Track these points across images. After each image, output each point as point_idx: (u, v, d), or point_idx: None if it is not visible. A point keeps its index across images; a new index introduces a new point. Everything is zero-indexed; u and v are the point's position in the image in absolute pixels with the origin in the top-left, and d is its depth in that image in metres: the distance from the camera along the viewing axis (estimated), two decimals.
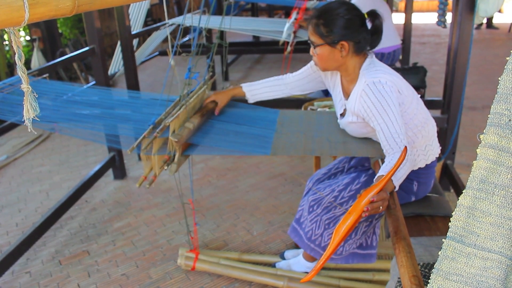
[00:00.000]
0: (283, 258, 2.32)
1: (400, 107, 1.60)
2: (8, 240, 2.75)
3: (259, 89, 2.02)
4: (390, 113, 1.55)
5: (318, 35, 1.63)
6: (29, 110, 0.70)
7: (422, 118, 1.72)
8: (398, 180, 1.49)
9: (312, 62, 1.90)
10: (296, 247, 2.41)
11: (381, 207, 1.31)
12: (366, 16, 1.66)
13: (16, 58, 0.73)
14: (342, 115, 1.81)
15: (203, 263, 2.31)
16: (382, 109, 1.55)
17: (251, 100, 2.04)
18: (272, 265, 2.29)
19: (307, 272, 2.17)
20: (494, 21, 9.60)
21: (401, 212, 1.29)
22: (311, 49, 1.69)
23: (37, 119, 0.72)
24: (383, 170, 1.47)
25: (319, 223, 1.86)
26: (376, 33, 1.68)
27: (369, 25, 1.68)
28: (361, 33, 1.62)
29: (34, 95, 0.71)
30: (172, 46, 1.90)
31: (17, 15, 0.68)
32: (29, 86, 0.69)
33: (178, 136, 1.62)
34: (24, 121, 0.71)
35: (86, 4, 0.78)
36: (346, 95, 1.77)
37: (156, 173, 1.69)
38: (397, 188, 1.49)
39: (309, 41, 1.70)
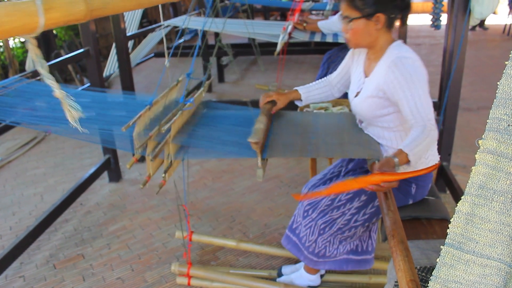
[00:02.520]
0: (281, 275, 2.26)
1: None
2: (2, 244, 2.72)
3: (313, 90, 2.05)
4: (419, 87, 1.56)
5: (354, 8, 1.64)
6: (71, 113, 0.70)
7: None
8: (414, 155, 1.49)
9: (348, 54, 1.94)
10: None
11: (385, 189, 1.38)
12: None
13: (38, 67, 0.72)
14: (357, 95, 1.81)
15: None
16: (411, 81, 1.56)
17: (304, 102, 2.06)
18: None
19: (310, 286, 2.14)
20: (487, 22, 9.62)
21: (398, 215, 1.28)
22: (344, 25, 1.70)
23: (83, 116, 0.73)
24: (404, 143, 1.50)
25: (313, 229, 1.85)
26: (406, 8, 1.70)
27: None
28: (393, 8, 1.65)
29: (71, 98, 0.71)
30: (168, 48, 1.89)
31: (32, 21, 0.66)
32: (62, 91, 0.69)
33: (257, 137, 1.58)
34: (71, 124, 0.71)
35: (99, 8, 0.77)
36: (366, 73, 1.79)
37: (151, 173, 1.68)
38: (411, 164, 1.50)
39: (342, 18, 1.70)
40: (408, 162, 1.48)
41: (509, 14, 9.00)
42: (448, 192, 3.00)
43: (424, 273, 1.42)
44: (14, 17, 0.63)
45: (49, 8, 0.67)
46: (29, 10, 0.65)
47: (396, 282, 1.44)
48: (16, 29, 0.64)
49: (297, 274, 2.16)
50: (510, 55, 0.58)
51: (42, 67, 0.72)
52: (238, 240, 2.43)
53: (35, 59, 0.72)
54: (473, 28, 9.20)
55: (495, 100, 0.60)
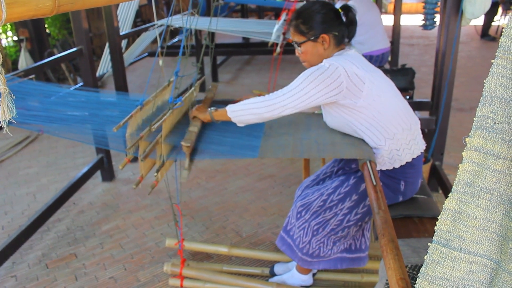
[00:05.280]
0: (273, 274, 2.26)
1: (358, 92, 1.63)
2: None
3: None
4: (306, 81, 1.62)
5: (300, 33, 1.73)
6: (6, 112, 0.68)
7: (400, 111, 1.71)
8: (232, 112, 1.73)
9: None
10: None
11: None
12: (340, 10, 1.75)
13: None
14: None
15: None
16: (305, 74, 1.64)
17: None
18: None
19: (303, 286, 2.14)
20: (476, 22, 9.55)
21: (389, 214, 1.29)
22: (296, 50, 1.78)
23: (13, 121, 0.70)
24: (238, 104, 1.74)
25: (307, 230, 1.85)
26: (351, 24, 1.77)
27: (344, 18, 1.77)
28: (338, 26, 1.71)
29: (11, 97, 0.69)
30: (162, 47, 1.89)
31: None
32: (6, 87, 0.68)
33: (189, 141, 1.62)
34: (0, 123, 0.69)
35: (67, 4, 0.76)
36: None
37: (143, 174, 1.68)
38: (234, 120, 1.75)
39: (293, 43, 1.78)
40: (227, 117, 1.75)
41: (501, 15, 9.06)
42: (440, 191, 3.01)
43: (415, 271, 1.43)
44: None
45: (13, 2, 0.67)
46: None
47: (387, 280, 1.45)
48: None
49: (289, 274, 2.16)
50: (496, 53, 0.59)
51: None
52: (229, 246, 2.43)
53: None
54: (487, 37, 8.80)
55: (481, 98, 0.61)
